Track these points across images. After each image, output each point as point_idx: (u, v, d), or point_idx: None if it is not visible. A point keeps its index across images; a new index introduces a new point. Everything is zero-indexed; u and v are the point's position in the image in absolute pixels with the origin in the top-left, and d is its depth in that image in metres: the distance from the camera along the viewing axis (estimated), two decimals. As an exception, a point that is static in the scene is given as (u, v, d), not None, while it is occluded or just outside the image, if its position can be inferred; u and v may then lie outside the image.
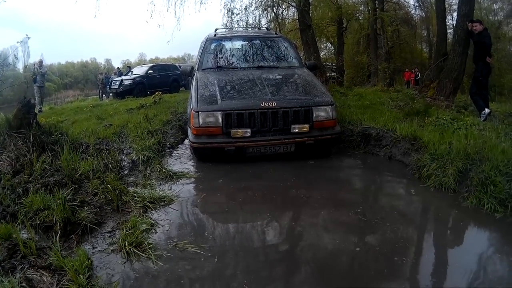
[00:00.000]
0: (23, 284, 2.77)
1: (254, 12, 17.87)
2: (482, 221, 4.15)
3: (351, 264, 3.39)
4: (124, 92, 22.14)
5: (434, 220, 4.39)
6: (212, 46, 8.12)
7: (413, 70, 29.86)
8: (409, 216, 4.37)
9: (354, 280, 3.11)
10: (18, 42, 8.06)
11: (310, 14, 17.14)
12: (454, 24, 12.18)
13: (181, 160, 6.44)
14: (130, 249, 3.35)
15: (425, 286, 3.09)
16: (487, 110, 8.07)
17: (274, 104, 5.95)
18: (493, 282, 3.09)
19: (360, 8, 30.44)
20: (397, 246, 3.62)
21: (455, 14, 17.41)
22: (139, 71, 25.15)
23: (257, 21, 17.96)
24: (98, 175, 4.87)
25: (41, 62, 18.44)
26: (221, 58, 7.94)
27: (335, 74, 22.64)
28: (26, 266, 2.99)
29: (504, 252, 3.59)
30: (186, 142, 7.21)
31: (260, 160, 6.10)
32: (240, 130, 5.85)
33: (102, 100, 26.53)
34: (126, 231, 3.64)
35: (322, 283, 3.05)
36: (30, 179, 4.53)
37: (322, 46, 33.08)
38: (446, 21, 14.94)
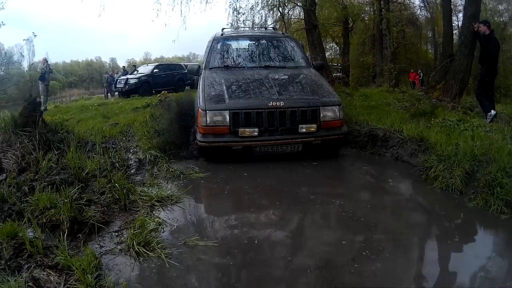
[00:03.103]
0: (30, 283, 2.76)
1: (260, 12, 17.90)
2: (488, 222, 4.15)
3: (355, 264, 3.37)
4: (129, 91, 22.06)
5: (441, 221, 4.36)
6: (219, 45, 8.11)
7: (418, 72, 29.85)
8: (415, 217, 4.37)
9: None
10: (24, 40, 8.07)
11: (316, 14, 17.11)
12: (460, 25, 12.12)
13: (188, 159, 6.43)
14: (138, 248, 3.35)
15: (431, 286, 3.10)
16: (493, 112, 8.02)
17: (281, 103, 5.95)
18: (499, 283, 3.08)
19: (366, 9, 30.34)
20: (402, 246, 3.63)
21: (461, 15, 17.38)
22: (144, 70, 25.17)
23: (263, 20, 17.99)
24: (105, 174, 4.88)
25: (45, 60, 18.48)
26: (228, 57, 7.93)
27: (340, 74, 22.63)
28: (33, 266, 2.99)
29: (510, 253, 3.59)
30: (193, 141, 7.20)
31: (267, 159, 6.10)
32: (247, 130, 5.85)
33: (108, 98, 26.54)
34: (134, 230, 3.63)
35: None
36: (36, 177, 4.54)
37: (328, 46, 33.05)
38: (452, 22, 14.86)
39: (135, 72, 24.99)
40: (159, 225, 3.92)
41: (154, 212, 4.24)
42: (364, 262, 3.33)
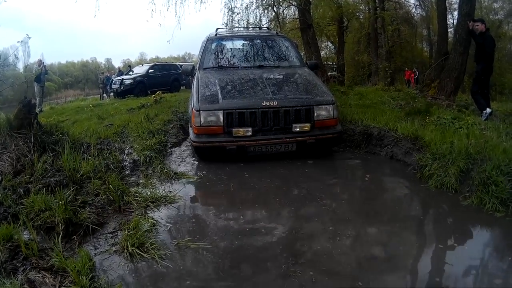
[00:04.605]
0: (25, 286, 2.77)
1: (254, 11, 17.87)
2: (482, 220, 4.15)
3: (352, 267, 3.40)
4: (124, 92, 22.09)
5: (435, 220, 4.38)
6: (213, 45, 8.12)
7: (413, 70, 29.92)
8: (410, 216, 4.37)
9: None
10: (18, 42, 8.11)
11: (311, 13, 17.13)
12: (455, 23, 12.14)
13: (183, 160, 6.43)
14: (132, 250, 3.36)
15: (424, 285, 3.13)
16: (488, 110, 8.03)
17: (275, 103, 5.96)
18: (493, 281, 3.10)
19: (361, 7, 30.41)
20: (396, 245, 3.66)
21: (456, 13, 17.41)
22: (139, 70, 25.12)
23: (257, 20, 17.96)
24: (99, 175, 4.86)
25: (40, 61, 18.44)
26: (222, 57, 7.94)
27: (335, 73, 22.64)
28: (28, 268, 2.99)
29: (504, 251, 3.61)
30: (188, 141, 7.20)
31: (261, 159, 6.11)
32: (241, 129, 5.86)
33: (103, 99, 26.51)
34: (128, 231, 3.64)
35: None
36: (31, 179, 4.52)
37: (323, 45, 33.05)
38: (447, 20, 14.93)
39: (130, 73, 24.95)
40: (153, 226, 3.93)
41: (148, 213, 4.25)
42: (324, 245, 3.59)
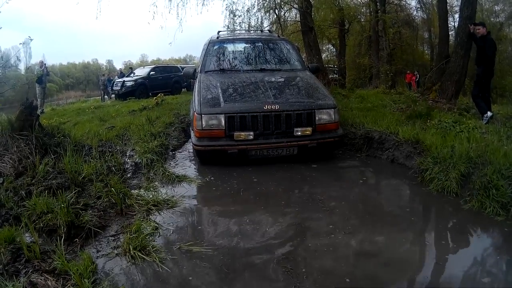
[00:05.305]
0: (28, 288, 2.77)
1: (256, 14, 17.83)
2: (483, 224, 4.16)
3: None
4: (126, 94, 22.06)
5: (436, 223, 4.39)
6: (215, 48, 8.14)
7: (414, 73, 29.91)
8: (411, 219, 4.34)
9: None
10: (20, 43, 8.15)
11: (312, 16, 17.10)
12: (456, 26, 12.15)
13: (184, 163, 6.45)
14: (134, 253, 3.37)
15: (424, 287, 3.14)
16: (489, 114, 8.00)
17: (277, 107, 5.97)
18: (493, 284, 3.11)
19: (362, 10, 30.36)
20: (396, 247, 3.68)
21: (457, 16, 17.42)
22: (141, 72, 25.08)
23: (259, 23, 17.91)
24: (101, 178, 4.87)
25: (42, 62, 18.44)
26: (223, 60, 7.95)
27: (337, 76, 22.63)
28: (30, 270, 3.00)
29: (505, 255, 3.61)
30: (189, 144, 7.20)
31: (264, 162, 6.12)
32: (243, 133, 5.86)
33: (104, 101, 26.48)
34: (130, 234, 3.65)
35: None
36: (33, 181, 4.53)
37: (324, 48, 33.02)
38: (448, 23, 14.91)
39: (132, 75, 24.93)
40: (155, 229, 3.94)
41: (150, 216, 4.25)
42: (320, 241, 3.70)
